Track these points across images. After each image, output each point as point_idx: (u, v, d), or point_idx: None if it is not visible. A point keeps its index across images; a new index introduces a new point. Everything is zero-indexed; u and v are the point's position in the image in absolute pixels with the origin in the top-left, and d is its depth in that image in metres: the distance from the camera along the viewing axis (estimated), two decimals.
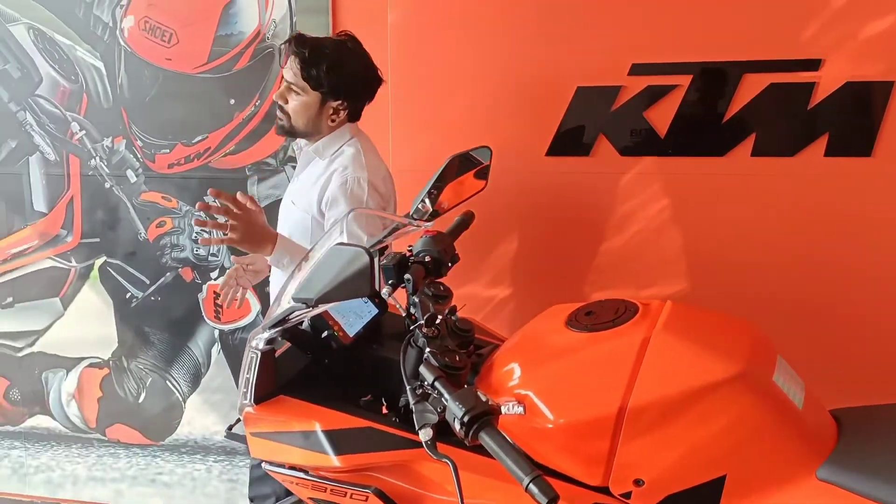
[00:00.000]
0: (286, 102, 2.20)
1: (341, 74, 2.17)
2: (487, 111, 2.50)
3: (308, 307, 1.46)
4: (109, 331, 3.07)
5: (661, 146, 2.41)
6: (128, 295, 3.04)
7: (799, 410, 1.41)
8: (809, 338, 2.25)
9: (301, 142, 2.36)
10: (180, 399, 3.06)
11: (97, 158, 2.94)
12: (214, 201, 2.02)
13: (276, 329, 1.55)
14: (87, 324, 3.10)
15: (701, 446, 1.35)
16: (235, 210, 2.00)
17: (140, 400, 3.08)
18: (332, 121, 2.21)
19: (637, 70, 2.39)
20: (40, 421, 3.24)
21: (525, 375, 1.45)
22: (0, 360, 3.21)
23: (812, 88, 2.28)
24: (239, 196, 2.05)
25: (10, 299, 3.16)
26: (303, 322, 1.63)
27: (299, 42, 2.16)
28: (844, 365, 2.29)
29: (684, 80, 2.37)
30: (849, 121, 2.28)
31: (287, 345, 1.66)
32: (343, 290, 1.37)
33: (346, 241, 1.57)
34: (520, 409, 1.40)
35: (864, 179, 2.29)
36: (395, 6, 2.50)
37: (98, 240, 3.00)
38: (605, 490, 1.39)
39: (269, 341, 1.56)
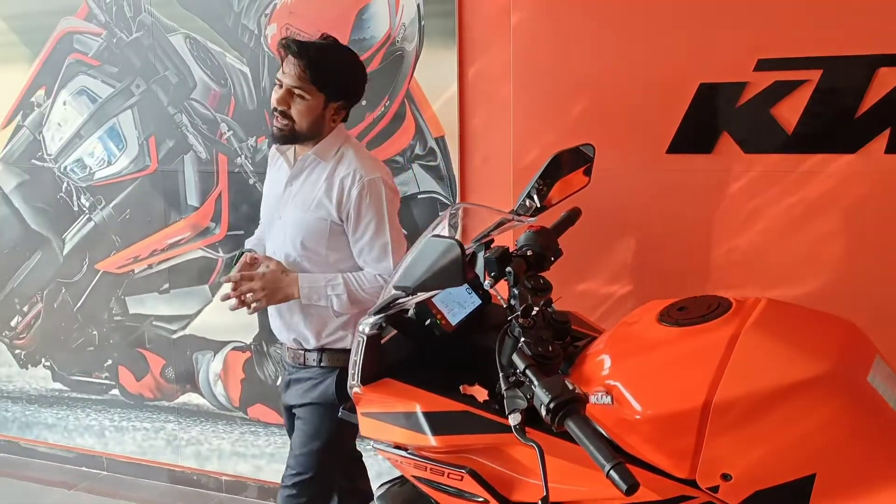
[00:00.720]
0: (288, 108, 2.19)
1: (346, 74, 2.25)
2: (608, 109, 2.50)
3: (407, 295, 1.55)
4: (251, 317, 3.18)
5: (789, 143, 2.34)
6: None
7: (895, 412, 1.36)
8: None
9: (282, 148, 2.34)
10: None
11: (242, 156, 3.12)
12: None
13: (381, 315, 1.65)
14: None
15: (789, 444, 1.33)
16: (248, 275, 2.25)
17: (278, 382, 3.23)
18: (333, 121, 2.27)
19: (763, 65, 2.33)
20: (191, 398, 3.47)
21: (614, 367, 1.48)
22: (157, 341, 3.47)
23: None
24: (244, 260, 2.32)
25: (166, 286, 3.39)
26: (408, 310, 1.72)
27: (301, 45, 2.17)
28: None
29: (814, 76, 2.28)
30: None
31: (394, 331, 1.74)
32: (437, 279, 1.44)
33: (443, 234, 1.65)
34: (608, 400, 1.43)
35: None
36: (517, 7, 2.55)
37: (242, 232, 3.15)
38: (692, 483, 1.40)
39: (376, 327, 1.65)
